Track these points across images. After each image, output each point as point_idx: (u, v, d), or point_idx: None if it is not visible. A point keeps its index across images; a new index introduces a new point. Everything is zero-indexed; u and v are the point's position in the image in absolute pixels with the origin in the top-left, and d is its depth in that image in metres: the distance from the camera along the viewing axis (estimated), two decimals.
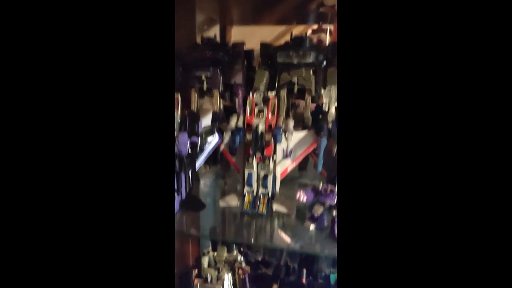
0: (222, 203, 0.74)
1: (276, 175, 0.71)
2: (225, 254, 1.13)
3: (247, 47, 0.88)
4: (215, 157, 0.84)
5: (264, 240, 0.69)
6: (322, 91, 0.79)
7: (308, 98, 0.78)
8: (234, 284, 1.09)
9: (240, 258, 1.15)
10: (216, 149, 0.79)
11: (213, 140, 0.73)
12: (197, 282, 1.02)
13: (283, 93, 0.78)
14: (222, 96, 0.82)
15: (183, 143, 0.64)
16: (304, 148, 0.71)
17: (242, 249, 1.20)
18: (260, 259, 1.30)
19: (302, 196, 0.63)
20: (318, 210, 0.63)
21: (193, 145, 0.66)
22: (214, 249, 1.12)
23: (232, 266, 1.10)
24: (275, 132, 0.65)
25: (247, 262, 1.19)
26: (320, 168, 0.62)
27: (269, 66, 0.81)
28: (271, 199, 0.71)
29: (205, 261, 1.07)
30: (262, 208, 0.70)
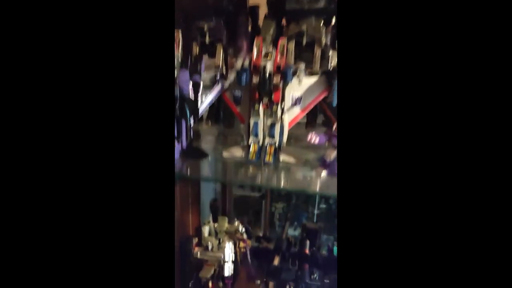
0: (225, 154, 0.67)
1: (284, 124, 0.64)
2: (226, 225, 1.07)
3: (252, 2, 0.81)
4: (217, 113, 0.77)
5: (270, 184, 0.62)
6: (331, 51, 0.73)
7: (318, 50, 0.71)
8: (235, 253, 1.03)
9: (241, 228, 1.09)
10: (218, 104, 0.72)
11: (216, 88, 0.65)
12: (197, 250, 0.95)
13: (291, 45, 0.71)
14: (225, 50, 0.75)
15: (184, 80, 0.57)
16: (314, 96, 0.65)
17: (242, 223, 1.14)
18: (261, 234, 1.24)
19: (314, 138, 0.56)
20: (331, 154, 0.56)
21: (195, 84, 0.59)
22: (214, 220, 1.06)
23: (233, 237, 1.04)
24: (284, 70, 0.58)
25: (248, 237, 1.13)
26: (335, 102, 0.55)
27: (276, 16, 0.75)
28: (278, 149, 0.64)
29: (205, 230, 1.00)
30: (268, 158, 0.63)
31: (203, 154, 0.65)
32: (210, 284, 0.95)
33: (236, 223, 1.09)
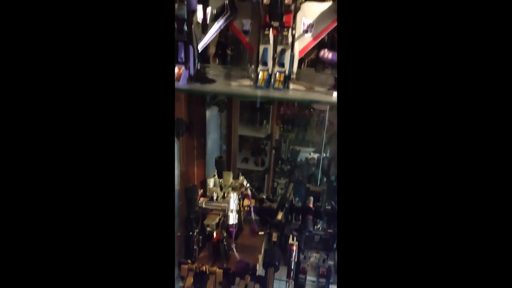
0: (233, 83, 0.63)
1: (295, 52, 0.59)
2: (231, 180, 1.03)
3: None
4: (224, 51, 0.72)
5: (277, 94, 0.58)
6: None
7: None
8: (239, 209, 1.00)
9: (246, 183, 1.05)
10: (226, 39, 0.67)
11: (225, 15, 0.61)
12: (202, 200, 0.92)
13: None
14: None
15: None
16: (326, 24, 0.60)
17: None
18: (264, 197, 1.20)
19: (326, 54, 0.52)
20: None
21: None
22: (219, 177, 1.02)
23: (237, 191, 1.00)
24: None
25: (252, 196, 1.10)
26: None
27: None
28: (288, 79, 0.60)
29: (210, 182, 0.97)
30: (278, 84, 0.58)
31: (210, 80, 0.61)
32: (214, 234, 0.92)
33: (241, 178, 1.06)
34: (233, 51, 0.83)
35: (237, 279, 0.77)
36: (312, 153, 2.33)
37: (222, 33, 0.77)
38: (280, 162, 2.29)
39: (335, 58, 0.52)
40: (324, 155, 2.25)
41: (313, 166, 2.31)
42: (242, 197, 1.04)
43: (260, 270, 0.88)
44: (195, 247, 0.92)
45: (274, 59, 0.60)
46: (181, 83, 0.58)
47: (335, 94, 0.54)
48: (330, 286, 0.89)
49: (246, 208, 1.08)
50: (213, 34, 0.62)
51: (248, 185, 1.05)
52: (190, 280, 0.81)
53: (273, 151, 2.21)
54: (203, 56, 0.70)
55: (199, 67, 0.62)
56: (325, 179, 2.24)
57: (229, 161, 1.49)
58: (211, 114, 1.33)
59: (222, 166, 1.06)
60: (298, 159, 2.32)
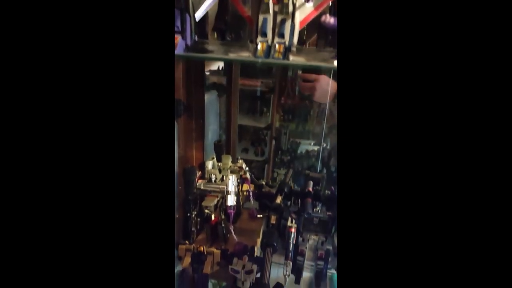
0: (232, 55, 0.60)
1: (295, 22, 0.57)
2: (230, 163, 1.01)
3: None
4: (224, 27, 0.70)
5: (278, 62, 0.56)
6: None
7: None
8: (238, 194, 0.98)
9: (245, 167, 1.03)
10: (225, 11, 0.65)
11: None
12: (200, 182, 0.90)
13: None
14: None
15: None
16: None
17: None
18: (264, 183, 1.18)
19: (328, 19, 0.49)
20: None
21: None
22: (218, 160, 1.00)
23: (236, 174, 0.98)
24: None
25: (251, 181, 1.08)
26: None
27: None
28: (288, 50, 0.57)
29: (209, 164, 0.95)
30: (278, 55, 0.56)
31: (208, 51, 0.58)
32: (212, 216, 0.90)
33: (240, 161, 1.03)
34: (232, 37, 0.80)
35: (235, 259, 0.76)
36: (312, 145, 2.31)
37: (221, 19, 0.75)
38: (280, 152, 2.27)
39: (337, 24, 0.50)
40: (324, 145, 2.23)
41: (313, 157, 2.29)
42: (241, 181, 1.02)
43: (258, 252, 0.86)
44: (193, 229, 0.90)
45: (274, 30, 0.57)
46: (177, 53, 0.56)
47: (335, 62, 0.51)
48: (328, 271, 0.87)
49: (245, 193, 1.06)
50: (211, 3, 0.59)
51: (247, 168, 1.03)
52: (187, 260, 0.79)
53: (273, 141, 2.19)
54: (201, 32, 0.68)
55: (196, 39, 0.60)
56: (325, 170, 2.22)
57: (229, 151, 1.46)
58: (210, 99, 1.30)
59: (221, 150, 1.04)
60: (298, 151, 2.30)
